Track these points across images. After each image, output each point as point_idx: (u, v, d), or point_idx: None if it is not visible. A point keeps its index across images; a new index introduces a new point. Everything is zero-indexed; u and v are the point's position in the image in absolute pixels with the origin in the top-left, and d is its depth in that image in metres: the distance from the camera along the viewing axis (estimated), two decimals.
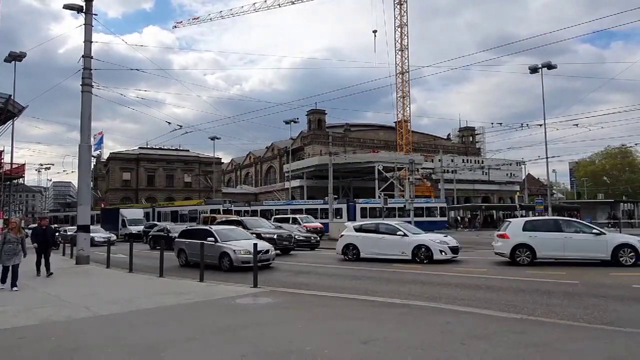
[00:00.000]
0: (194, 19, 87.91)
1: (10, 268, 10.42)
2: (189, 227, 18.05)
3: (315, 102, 70.14)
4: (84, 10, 16.93)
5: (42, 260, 13.03)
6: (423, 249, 15.29)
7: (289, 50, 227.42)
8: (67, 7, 16.75)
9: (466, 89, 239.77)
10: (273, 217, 33.53)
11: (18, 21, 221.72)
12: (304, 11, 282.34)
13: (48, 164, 67.34)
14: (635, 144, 57.39)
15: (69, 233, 27.08)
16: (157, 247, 18.45)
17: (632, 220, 45.03)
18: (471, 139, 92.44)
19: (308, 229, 28.68)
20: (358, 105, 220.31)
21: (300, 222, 31.92)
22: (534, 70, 29.03)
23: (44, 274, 12.83)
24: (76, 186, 20.88)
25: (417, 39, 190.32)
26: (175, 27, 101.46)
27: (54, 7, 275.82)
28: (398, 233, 15.98)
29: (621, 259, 13.07)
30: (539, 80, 30.01)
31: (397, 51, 70.65)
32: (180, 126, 27.81)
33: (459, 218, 54.28)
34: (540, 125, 33.08)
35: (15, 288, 10.13)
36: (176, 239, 16.62)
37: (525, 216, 36.25)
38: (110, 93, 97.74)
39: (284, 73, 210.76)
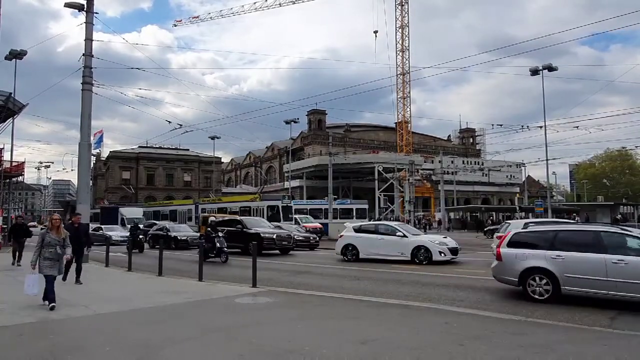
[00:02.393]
0: (194, 17, 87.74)
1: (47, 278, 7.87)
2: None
3: (314, 102, 70.42)
4: (85, 9, 16.91)
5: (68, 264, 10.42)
6: (422, 250, 15.29)
7: (287, 50, 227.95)
8: (68, 5, 16.71)
9: (465, 90, 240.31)
10: None
11: (16, 20, 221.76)
12: (303, 12, 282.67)
13: (48, 162, 67.38)
14: (636, 147, 57.17)
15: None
16: (156, 246, 18.47)
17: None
18: (471, 141, 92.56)
19: (307, 229, 28.72)
20: (357, 105, 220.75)
21: (300, 222, 31.94)
22: (534, 72, 29.07)
23: (71, 281, 10.85)
24: (76, 184, 20.91)
25: (414, 39, 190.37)
26: (175, 25, 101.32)
27: (53, 6, 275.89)
28: (397, 234, 15.99)
29: None
30: (537, 81, 30.16)
31: (398, 52, 70.77)
32: (181, 125, 27.78)
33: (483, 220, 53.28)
34: (541, 127, 33.15)
35: (50, 303, 7.74)
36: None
37: (525, 218, 36.26)
38: (109, 92, 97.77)
39: (283, 73, 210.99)
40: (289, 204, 33.67)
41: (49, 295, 7.79)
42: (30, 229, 17.64)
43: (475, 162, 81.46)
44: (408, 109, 72.17)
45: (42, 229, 9.55)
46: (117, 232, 28.38)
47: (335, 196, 48.79)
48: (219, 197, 51.30)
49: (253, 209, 33.54)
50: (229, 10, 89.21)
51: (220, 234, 17.50)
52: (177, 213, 41.78)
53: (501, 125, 38.87)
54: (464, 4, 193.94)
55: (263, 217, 29.73)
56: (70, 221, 11.93)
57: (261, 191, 48.82)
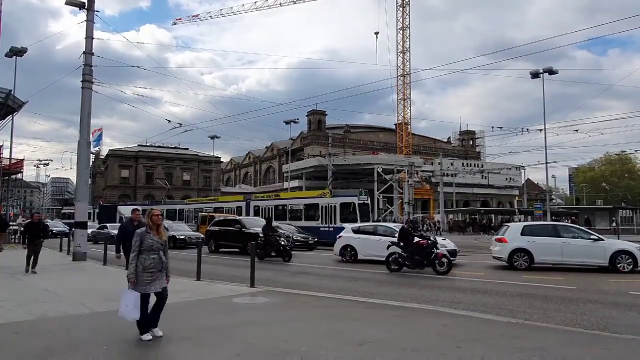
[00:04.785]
0: (194, 16, 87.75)
1: (153, 297, 5.71)
2: None
3: (313, 103, 70.22)
4: (86, 7, 16.91)
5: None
6: None
7: (287, 51, 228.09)
8: (70, 3, 16.72)
9: (464, 92, 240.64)
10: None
11: (15, 18, 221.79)
12: (303, 12, 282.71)
13: (47, 160, 67.25)
14: (635, 151, 57.32)
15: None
16: None
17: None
18: (471, 143, 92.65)
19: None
20: (356, 107, 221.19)
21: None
22: (535, 75, 29.13)
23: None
24: (75, 182, 20.88)
25: (413, 41, 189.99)
26: (175, 23, 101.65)
27: (52, 4, 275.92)
28: (396, 235, 15.94)
29: (619, 266, 13.08)
30: (536, 85, 30.57)
31: (399, 53, 70.79)
32: (180, 124, 27.87)
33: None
34: (541, 130, 33.22)
35: (159, 333, 5.69)
36: None
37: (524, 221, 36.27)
38: (108, 90, 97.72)
39: (281, 74, 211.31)
40: (366, 201, 28.01)
41: (147, 323, 5.59)
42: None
43: (474, 164, 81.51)
44: (408, 111, 72.23)
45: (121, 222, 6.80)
46: None
47: None
48: (275, 193, 43.61)
49: (322, 207, 28.07)
50: (229, 9, 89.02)
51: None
52: (224, 211, 36.40)
53: (501, 128, 39.03)
54: (462, 6, 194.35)
55: (335, 217, 26.53)
56: (129, 218, 9.84)
57: (330, 184, 41.94)
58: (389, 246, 13.83)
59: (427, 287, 10.86)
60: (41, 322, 6.70)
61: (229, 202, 37.87)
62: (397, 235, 15.84)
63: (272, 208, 31.85)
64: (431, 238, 13.66)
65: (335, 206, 27.32)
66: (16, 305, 7.91)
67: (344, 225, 24.72)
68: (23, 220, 29.79)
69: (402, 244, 13.43)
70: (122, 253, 9.69)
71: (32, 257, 12.70)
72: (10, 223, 28.63)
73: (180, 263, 16.61)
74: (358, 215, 26.06)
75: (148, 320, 5.62)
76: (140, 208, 10.22)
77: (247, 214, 32.56)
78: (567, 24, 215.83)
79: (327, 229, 26.71)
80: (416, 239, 13.22)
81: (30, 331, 6.18)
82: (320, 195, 29.34)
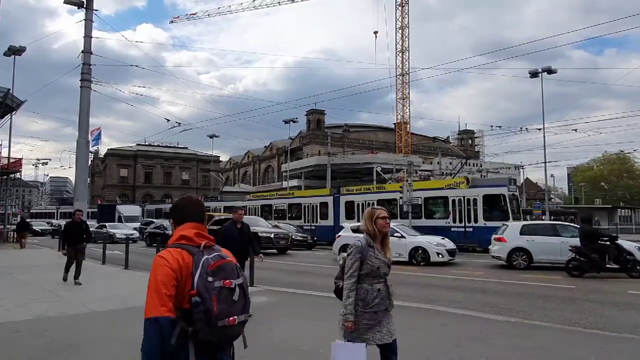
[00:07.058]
0: (192, 14, 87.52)
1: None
2: None
3: (311, 102, 70.61)
4: (84, 6, 16.87)
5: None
6: (420, 251, 15.32)
7: (284, 51, 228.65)
8: (69, 2, 16.67)
9: (461, 92, 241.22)
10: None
11: (12, 17, 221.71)
12: (300, 12, 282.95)
13: (45, 159, 67.20)
14: (634, 150, 57.51)
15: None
16: (154, 245, 18.45)
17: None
18: (470, 142, 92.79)
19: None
20: (353, 106, 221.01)
21: None
22: (534, 74, 29.15)
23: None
24: (73, 182, 20.70)
25: (411, 40, 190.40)
26: (172, 22, 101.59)
27: (49, 4, 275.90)
28: (395, 234, 15.95)
29: None
30: (532, 84, 30.65)
31: (398, 53, 70.76)
32: (179, 123, 27.79)
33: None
34: (539, 129, 33.20)
35: None
36: None
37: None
38: (105, 89, 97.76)
39: (279, 73, 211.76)
40: (516, 192, 22.10)
41: None
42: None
43: (473, 163, 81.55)
44: (407, 110, 72.23)
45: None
46: (121, 230, 28.72)
47: None
48: (379, 184, 36.07)
49: (453, 201, 21.85)
50: (226, 8, 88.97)
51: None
52: (303, 209, 29.76)
53: (500, 127, 38.98)
54: (459, 7, 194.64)
55: (477, 213, 20.84)
56: (231, 220, 7.89)
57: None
58: None
59: (425, 286, 10.87)
60: (40, 322, 6.68)
61: (309, 197, 30.74)
62: (397, 234, 15.89)
63: (374, 202, 23.79)
64: None
65: (475, 200, 21.04)
66: (15, 305, 7.89)
67: (487, 224, 19.71)
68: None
69: None
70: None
71: (75, 265, 10.78)
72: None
73: None
74: (509, 211, 20.11)
75: None
76: (242, 206, 7.63)
77: (336, 212, 26.91)
78: (563, 24, 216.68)
79: (462, 229, 20.93)
80: None
81: (29, 330, 6.16)
82: (451, 185, 22.71)
